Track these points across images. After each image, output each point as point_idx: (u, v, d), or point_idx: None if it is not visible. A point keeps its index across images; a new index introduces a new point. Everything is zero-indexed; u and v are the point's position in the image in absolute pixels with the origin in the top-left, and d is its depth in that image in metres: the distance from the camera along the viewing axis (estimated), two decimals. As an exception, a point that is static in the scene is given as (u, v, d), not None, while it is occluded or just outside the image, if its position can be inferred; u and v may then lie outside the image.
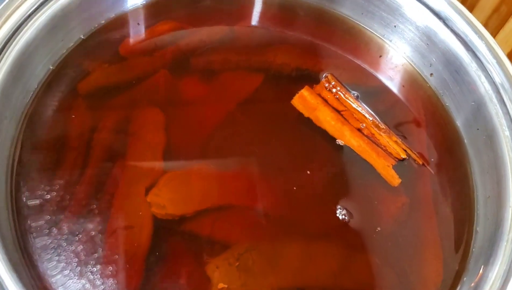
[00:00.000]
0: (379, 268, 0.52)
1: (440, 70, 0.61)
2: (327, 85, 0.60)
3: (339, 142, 0.57)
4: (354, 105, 0.59)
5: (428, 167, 0.57)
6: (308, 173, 0.55)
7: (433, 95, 0.62)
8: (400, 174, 0.56)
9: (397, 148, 0.57)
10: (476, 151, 0.57)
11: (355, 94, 0.60)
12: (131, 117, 0.57)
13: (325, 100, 0.60)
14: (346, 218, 0.53)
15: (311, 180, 0.55)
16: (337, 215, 0.53)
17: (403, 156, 0.57)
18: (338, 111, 0.59)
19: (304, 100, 0.59)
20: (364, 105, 0.60)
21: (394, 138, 0.57)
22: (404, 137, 0.58)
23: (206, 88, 0.61)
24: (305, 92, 0.59)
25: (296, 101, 0.59)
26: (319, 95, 0.60)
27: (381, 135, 0.57)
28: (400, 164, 0.56)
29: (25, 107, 0.54)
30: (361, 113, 0.59)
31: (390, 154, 0.57)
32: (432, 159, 0.58)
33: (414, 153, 0.57)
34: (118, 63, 0.60)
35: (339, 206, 0.53)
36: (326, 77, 0.61)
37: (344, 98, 0.60)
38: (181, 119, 0.58)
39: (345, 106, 0.59)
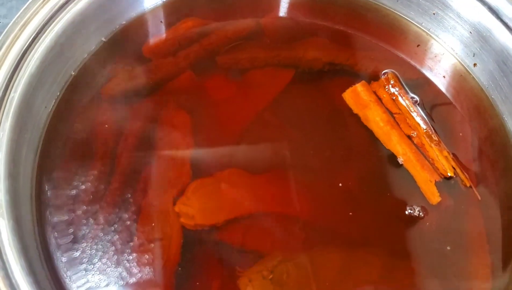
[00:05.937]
0: (422, 277, 0.49)
1: (485, 60, 0.56)
2: (385, 83, 0.57)
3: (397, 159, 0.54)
4: (410, 110, 0.55)
5: (475, 190, 0.52)
6: (346, 178, 0.52)
7: (476, 86, 0.58)
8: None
9: (445, 164, 0.52)
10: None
11: (415, 99, 0.56)
12: (157, 121, 0.55)
13: (380, 99, 0.56)
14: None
15: (350, 185, 0.52)
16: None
17: (450, 174, 0.52)
18: (391, 113, 0.55)
19: (357, 95, 0.56)
20: (421, 111, 0.56)
21: (445, 153, 0.53)
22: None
23: (234, 88, 0.59)
24: (359, 87, 0.56)
25: (347, 95, 0.56)
26: (375, 93, 0.56)
27: (431, 147, 0.53)
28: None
29: (47, 117, 0.53)
30: (415, 119, 0.55)
31: (436, 169, 0.52)
32: (478, 156, 0.55)
33: (464, 174, 0.53)
34: (142, 65, 0.58)
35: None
36: (386, 75, 0.57)
37: (401, 100, 0.56)
38: (209, 121, 0.56)
39: (399, 109, 0.56)
